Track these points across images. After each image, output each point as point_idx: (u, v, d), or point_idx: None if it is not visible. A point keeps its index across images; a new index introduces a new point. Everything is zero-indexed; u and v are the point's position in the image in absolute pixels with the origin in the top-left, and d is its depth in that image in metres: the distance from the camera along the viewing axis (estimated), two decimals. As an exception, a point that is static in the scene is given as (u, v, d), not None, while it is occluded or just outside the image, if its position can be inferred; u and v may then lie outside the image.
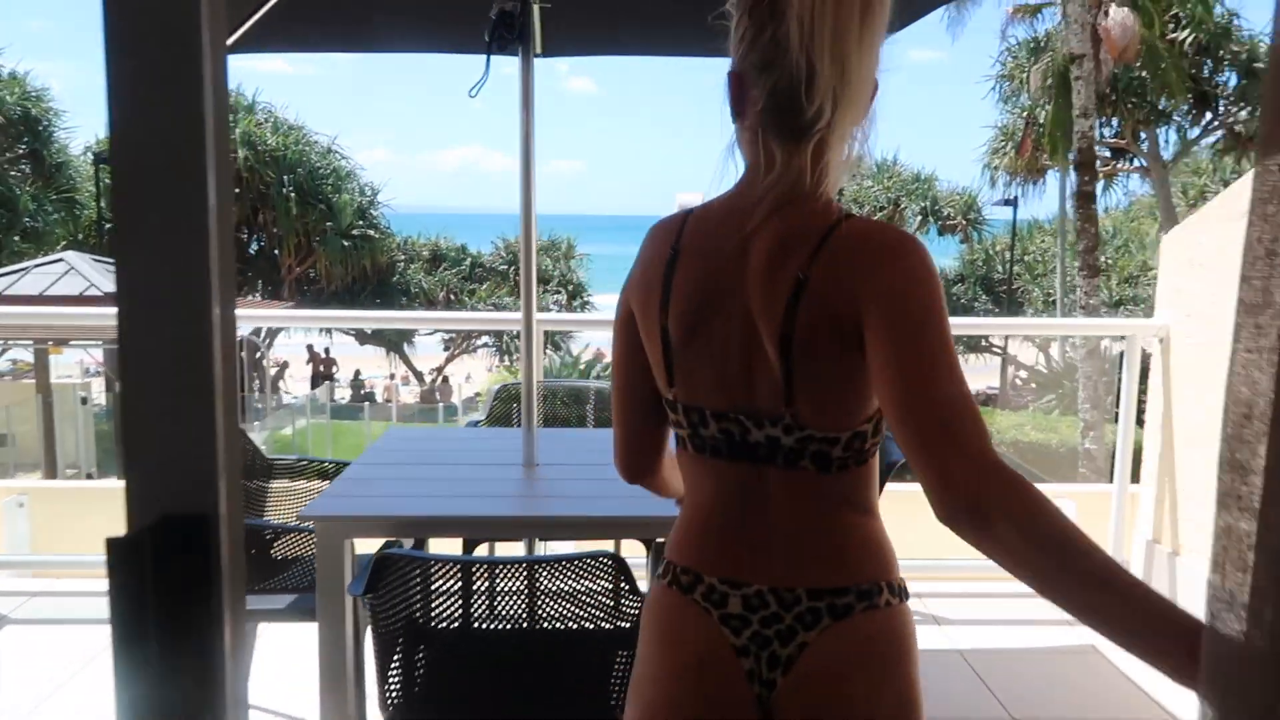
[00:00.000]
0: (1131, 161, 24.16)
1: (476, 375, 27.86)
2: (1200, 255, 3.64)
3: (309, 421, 17.58)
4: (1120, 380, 4.02)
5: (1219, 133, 23.55)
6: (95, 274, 12.52)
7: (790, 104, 1.14)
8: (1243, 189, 3.41)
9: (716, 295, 1.20)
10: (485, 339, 26.85)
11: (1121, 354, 3.99)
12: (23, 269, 12.95)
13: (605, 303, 30.56)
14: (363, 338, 26.11)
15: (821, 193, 1.17)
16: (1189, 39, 21.35)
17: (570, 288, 28.04)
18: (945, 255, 30.01)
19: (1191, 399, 3.69)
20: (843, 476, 1.20)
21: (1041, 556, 0.97)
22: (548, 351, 26.26)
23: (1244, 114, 22.63)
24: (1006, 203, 22.98)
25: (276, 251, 24.10)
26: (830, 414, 1.17)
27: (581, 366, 17.29)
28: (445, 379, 27.95)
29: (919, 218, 27.40)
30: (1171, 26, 21.23)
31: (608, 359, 39.73)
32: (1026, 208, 23.79)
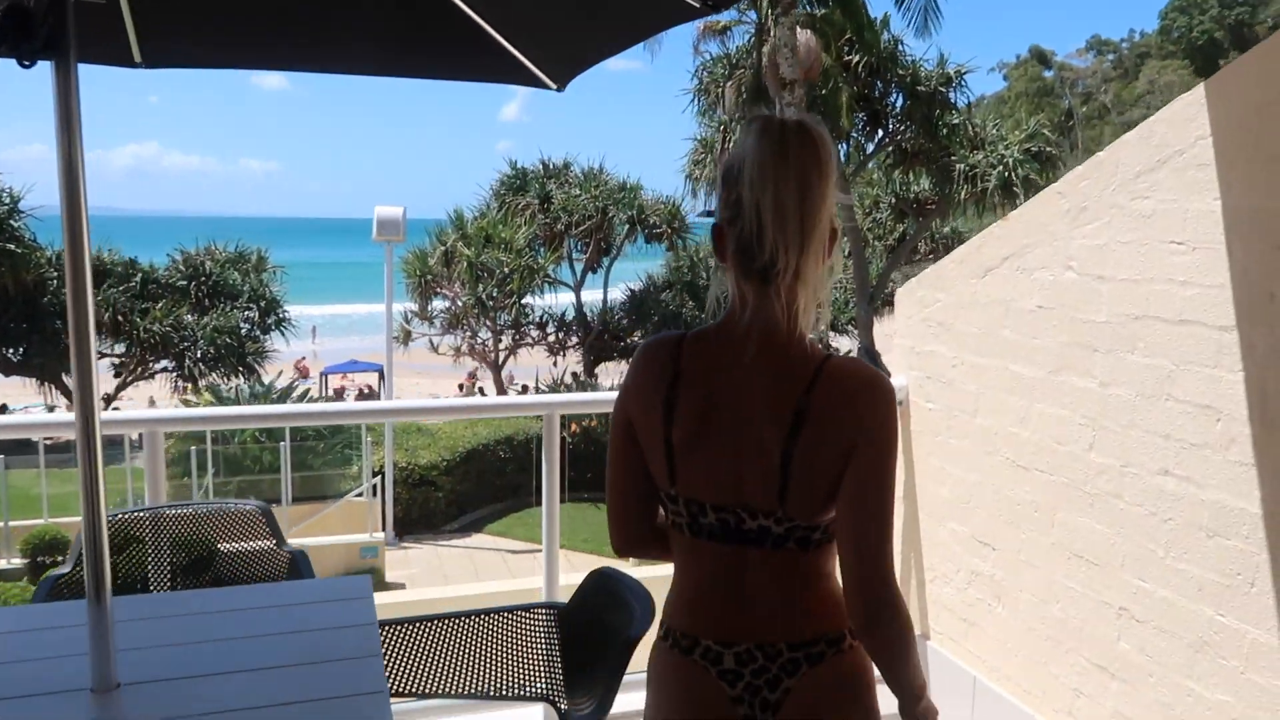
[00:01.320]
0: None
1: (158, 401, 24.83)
2: (939, 314, 3.33)
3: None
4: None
5: (889, 148, 25.69)
6: None
7: (751, 252, 1.42)
8: (984, 244, 3.11)
9: (719, 413, 1.47)
10: (165, 362, 23.96)
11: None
12: None
13: (302, 314, 28.55)
14: (6, 365, 22.40)
15: (799, 332, 1.44)
16: (861, 61, 22.98)
17: (263, 303, 25.66)
18: (653, 262, 30.62)
19: (935, 470, 3.38)
20: (817, 552, 1.50)
21: (889, 645, 1.48)
22: (236, 378, 23.88)
23: (907, 131, 24.84)
24: (708, 213, 23.59)
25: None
26: (813, 510, 1.46)
27: (274, 396, 15.59)
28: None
29: (626, 226, 27.68)
30: (846, 49, 22.78)
31: (310, 381, 37.14)
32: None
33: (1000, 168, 23.45)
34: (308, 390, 16.75)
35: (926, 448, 3.43)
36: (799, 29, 19.52)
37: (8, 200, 21.01)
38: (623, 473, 1.60)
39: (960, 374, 3.23)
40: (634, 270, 30.01)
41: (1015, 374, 2.96)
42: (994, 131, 25.03)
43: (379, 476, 14.90)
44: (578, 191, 28.21)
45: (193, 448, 13.62)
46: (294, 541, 10.22)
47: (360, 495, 14.18)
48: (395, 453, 15.39)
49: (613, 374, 34.20)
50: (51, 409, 25.60)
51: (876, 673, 1.55)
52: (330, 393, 35.84)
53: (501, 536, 15.36)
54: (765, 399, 1.45)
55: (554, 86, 2.82)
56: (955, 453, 3.26)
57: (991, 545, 3.09)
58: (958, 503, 3.25)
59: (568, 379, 28.68)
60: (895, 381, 3.55)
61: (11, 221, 20.82)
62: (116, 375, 24.56)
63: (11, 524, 13.18)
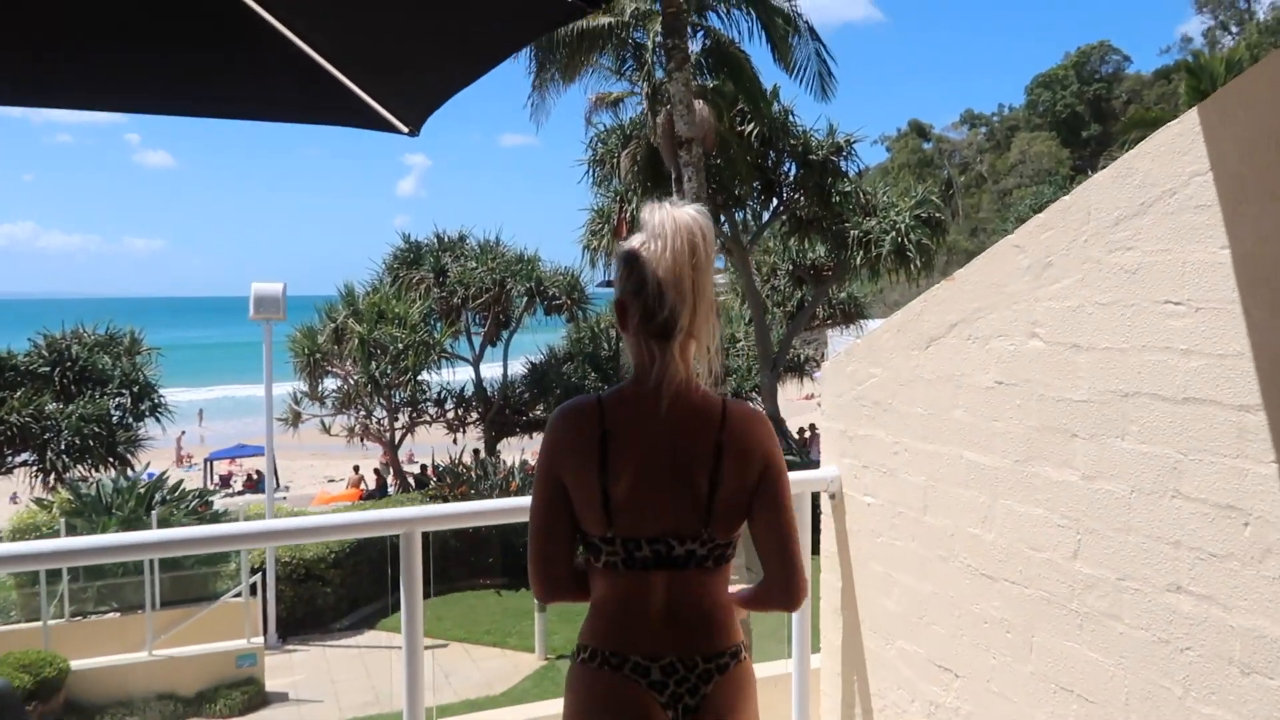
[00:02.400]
0: (717, 243, 25.67)
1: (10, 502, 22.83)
2: (875, 391, 2.83)
3: None
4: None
5: (784, 216, 25.91)
6: None
7: (654, 315, 1.71)
8: (925, 309, 2.63)
9: (650, 459, 1.74)
10: (26, 454, 22.11)
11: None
12: None
13: (188, 397, 26.90)
14: None
15: (696, 380, 1.77)
16: (753, 131, 23.17)
17: (136, 388, 24.06)
18: (554, 334, 30.05)
19: (877, 578, 2.84)
20: (724, 569, 1.81)
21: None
22: (105, 469, 22.15)
23: (801, 199, 25.12)
24: (608, 284, 23.31)
25: None
26: (730, 527, 1.79)
27: (140, 490, 14.27)
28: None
29: (525, 298, 27.12)
30: (739, 120, 22.96)
31: (195, 467, 35.07)
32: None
33: (893, 233, 23.81)
34: (180, 483, 15.44)
35: (866, 550, 2.90)
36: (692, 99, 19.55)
37: None
38: (551, 526, 1.80)
39: (904, 463, 2.72)
40: (534, 343, 29.37)
41: (972, 463, 2.46)
42: (884, 198, 25.50)
43: (259, 573, 13.73)
44: (474, 264, 27.58)
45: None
46: (160, 652, 9.08)
47: (238, 595, 12.99)
48: (278, 546, 14.25)
49: (514, 449, 33.24)
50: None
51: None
52: (216, 480, 33.92)
53: (395, 632, 14.25)
54: (688, 440, 1.74)
55: (405, 130, 2.33)
56: (902, 557, 2.74)
57: (954, 671, 2.55)
58: (909, 617, 2.71)
59: (467, 458, 27.66)
60: (825, 472, 3.03)
61: None
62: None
63: None
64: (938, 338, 2.58)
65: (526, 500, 2.10)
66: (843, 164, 25.01)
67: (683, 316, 1.67)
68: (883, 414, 2.81)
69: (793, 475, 3.16)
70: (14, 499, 22.74)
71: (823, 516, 3.10)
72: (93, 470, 22.05)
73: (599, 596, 1.79)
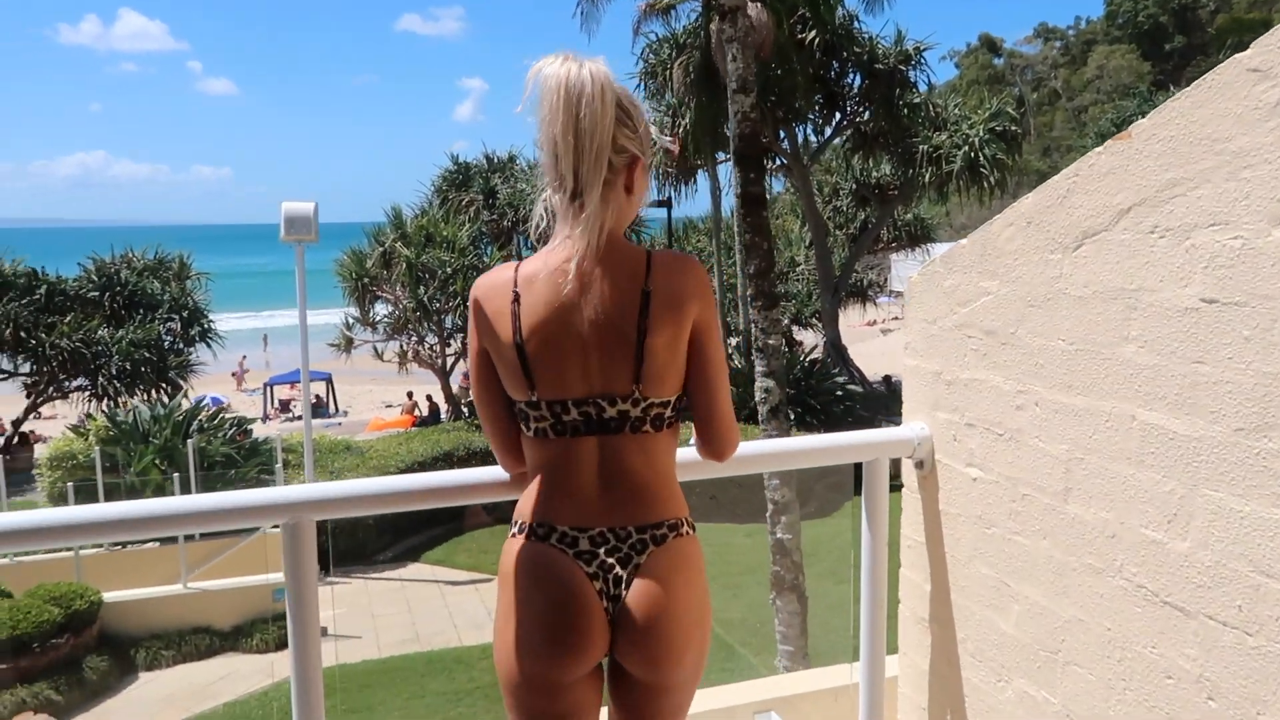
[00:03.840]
0: (774, 160, 24.38)
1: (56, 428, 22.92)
2: (989, 316, 1.94)
3: None
4: (861, 526, 2.27)
5: (848, 132, 24.43)
6: None
7: (562, 179, 1.65)
8: (1074, 187, 1.71)
9: (569, 315, 1.64)
10: (81, 379, 22.08)
11: (859, 471, 2.24)
12: None
13: (246, 325, 26.78)
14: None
15: (619, 236, 1.71)
16: (815, 40, 21.67)
17: (186, 313, 23.85)
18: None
19: (988, 586, 1.98)
20: (667, 433, 1.71)
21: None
22: (157, 394, 22.05)
23: (866, 113, 23.59)
24: (660, 204, 22.22)
25: None
26: (665, 385, 1.68)
27: (179, 417, 13.89)
28: (24, 437, 22.67)
29: (576, 220, 26.18)
30: (799, 27, 21.46)
31: (253, 392, 35.29)
32: (681, 208, 23.31)
33: (965, 148, 22.23)
34: (219, 411, 15.06)
35: (969, 544, 2.03)
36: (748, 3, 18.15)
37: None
38: (492, 400, 1.77)
39: (1034, 422, 1.83)
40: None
41: (1154, 429, 1.57)
42: (956, 112, 23.83)
43: (298, 504, 13.32)
44: (524, 185, 26.70)
45: (69, 484, 11.97)
46: (195, 585, 8.51)
47: (276, 526, 12.60)
48: (317, 475, 13.81)
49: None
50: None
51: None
52: (276, 404, 33.99)
53: (440, 565, 13.85)
54: (613, 292, 1.64)
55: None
56: (1028, 560, 1.86)
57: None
58: (1035, 650, 1.85)
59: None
60: (909, 431, 2.15)
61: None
62: (28, 395, 22.71)
63: None
64: (1097, 231, 1.66)
65: (451, 476, 2.01)
66: (911, 74, 23.40)
67: (587, 174, 1.62)
68: (1001, 349, 1.91)
69: (862, 436, 2.30)
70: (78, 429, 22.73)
71: (905, 492, 2.23)
72: (146, 394, 21.98)
73: (531, 466, 1.74)
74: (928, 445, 2.12)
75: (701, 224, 29.58)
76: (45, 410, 24.48)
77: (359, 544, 14.09)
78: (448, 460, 15.35)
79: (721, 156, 21.83)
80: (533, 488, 1.72)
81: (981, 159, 22.26)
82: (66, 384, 22.28)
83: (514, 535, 1.72)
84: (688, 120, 20.28)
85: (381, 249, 24.42)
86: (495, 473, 1.92)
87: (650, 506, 1.69)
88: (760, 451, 2.11)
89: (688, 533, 1.72)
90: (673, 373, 1.68)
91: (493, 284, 1.72)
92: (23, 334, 20.94)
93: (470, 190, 27.58)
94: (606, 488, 1.68)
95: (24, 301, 21.29)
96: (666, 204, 22.19)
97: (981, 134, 22.47)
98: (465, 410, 26.23)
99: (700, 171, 23.86)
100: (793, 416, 18.00)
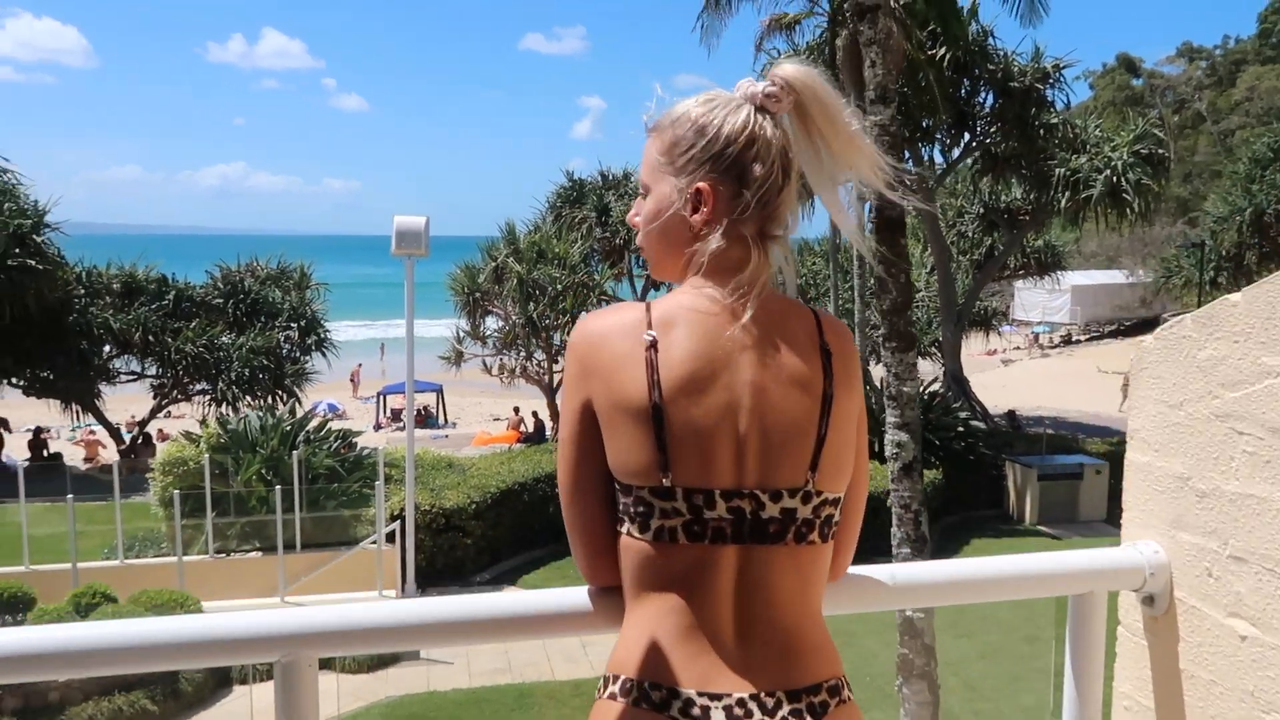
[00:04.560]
0: (896, 181, 23.41)
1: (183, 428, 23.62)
2: (1268, 407, 1.33)
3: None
4: (1064, 657, 1.69)
5: (976, 153, 23.30)
6: None
7: (757, 201, 1.30)
8: None
9: (720, 370, 1.24)
10: (203, 384, 22.74)
11: (1068, 606, 1.65)
12: None
13: (350, 335, 27.36)
14: (34, 386, 21.40)
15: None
16: (946, 55, 20.73)
17: (304, 322, 24.36)
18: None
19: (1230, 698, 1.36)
20: (827, 549, 1.28)
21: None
22: (273, 401, 22.54)
23: (998, 133, 22.42)
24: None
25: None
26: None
27: (287, 427, 13.95)
28: (147, 436, 23.48)
29: (689, 239, 25.75)
30: (930, 43, 20.56)
31: (368, 399, 36.00)
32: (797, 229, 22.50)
33: (1108, 172, 20.87)
34: (325, 422, 15.11)
35: (1214, 663, 1.42)
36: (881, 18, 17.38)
37: (32, 214, 19.98)
38: (591, 481, 1.30)
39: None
40: (699, 287, 28.08)
41: None
42: (1097, 133, 22.44)
43: (398, 520, 13.20)
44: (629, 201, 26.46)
45: (175, 492, 12.06)
46: (293, 599, 8.33)
47: (375, 543, 12.48)
48: (418, 493, 13.67)
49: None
50: (92, 431, 24.68)
51: None
52: (388, 413, 34.58)
53: (539, 589, 13.51)
54: (788, 345, 1.29)
55: None
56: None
57: None
58: None
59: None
60: (1132, 553, 1.56)
61: (35, 236, 19.76)
62: (155, 397, 23.52)
63: (-14, 572, 11.79)
64: None
65: (505, 603, 1.43)
66: (1049, 93, 22.18)
67: (786, 200, 1.31)
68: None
69: (1068, 561, 1.71)
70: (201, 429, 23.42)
71: (1123, 632, 1.63)
72: (262, 401, 22.48)
73: (634, 586, 1.26)
74: (1164, 576, 1.52)
75: (817, 246, 28.74)
76: (176, 410, 25.36)
77: (456, 563, 13.87)
78: (548, 483, 15.01)
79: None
80: (639, 623, 1.25)
81: (1124, 184, 20.86)
82: (190, 387, 22.98)
83: (610, 697, 1.24)
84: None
85: (494, 264, 24.49)
86: (567, 598, 1.42)
87: (806, 660, 1.25)
88: (922, 580, 1.54)
89: (849, 698, 1.27)
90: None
91: (615, 324, 1.30)
92: (151, 338, 21.69)
93: (584, 207, 27.47)
94: (747, 627, 1.23)
95: (154, 306, 22.08)
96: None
97: (1125, 157, 21.07)
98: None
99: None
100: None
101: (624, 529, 1.28)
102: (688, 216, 1.31)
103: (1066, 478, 16.45)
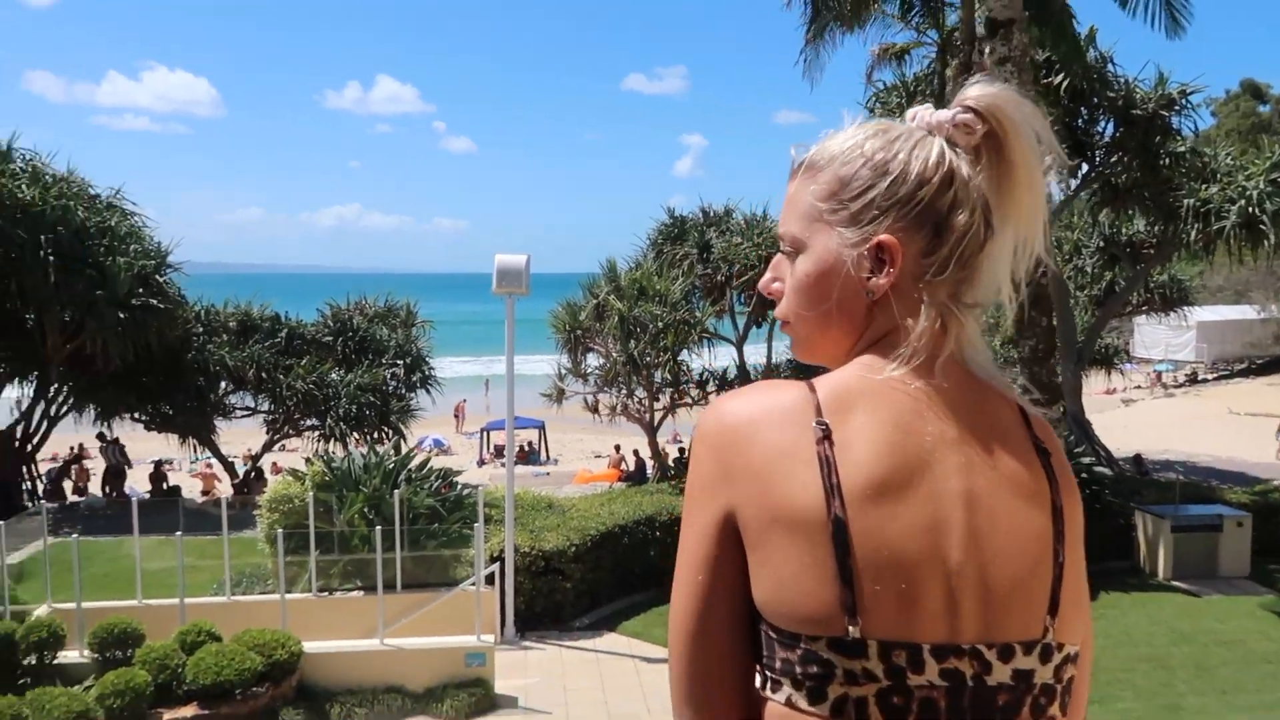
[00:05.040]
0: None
1: (295, 461, 24.11)
2: None
3: (46, 543, 13.82)
4: None
5: (1095, 184, 22.24)
6: None
7: (959, 255, 1.05)
8: None
9: (924, 473, 0.95)
10: (313, 420, 23.22)
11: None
12: None
13: (455, 371, 27.65)
14: (155, 421, 22.17)
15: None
16: (1063, 84, 19.92)
17: (409, 359, 24.72)
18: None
19: None
20: None
21: None
22: (379, 438, 22.86)
23: (1120, 164, 21.35)
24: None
25: (34, 325, 20.09)
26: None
27: (389, 465, 14.00)
28: (260, 471, 24.10)
29: (792, 276, 25.26)
30: (1044, 71, 19.78)
31: (472, 435, 36.46)
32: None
33: (1242, 202, 19.61)
34: (426, 461, 15.11)
35: None
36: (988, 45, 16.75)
37: (155, 255, 20.81)
38: (725, 613, 0.96)
39: None
40: (802, 324, 27.51)
41: None
42: (1229, 161, 21.15)
43: (497, 562, 13.03)
44: (740, 239, 26.09)
45: (280, 530, 12.13)
46: (391, 642, 8.23)
47: (474, 585, 12.31)
48: (518, 534, 13.50)
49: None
50: (209, 465, 25.50)
51: None
52: (492, 449, 34.85)
53: (637, 638, 13.11)
54: (1002, 442, 0.99)
55: None
56: None
57: None
58: None
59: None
60: None
61: (158, 276, 20.56)
62: (267, 432, 24.15)
63: (101, 604, 12.05)
64: None
65: None
66: (1174, 121, 21.03)
67: (988, 257, 1.04)
68: None
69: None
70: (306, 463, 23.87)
71: None
72: (368, 438, 22.82)
73: None
74: None
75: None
76: (288, 444, 26.00)
77: (555, 607, 13.61)
78: (649, 526, 14.69)
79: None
80: None
81: (1260, 215, 19.56)
82: (300, 423, 23.50)
83: None
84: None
85: (595, 300, 24.45)
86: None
87: None
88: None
89: None
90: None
91: (770, 408, 1.01)
92: (264, 374, 22.28)
93: (685, 243, 27.26)
94: None
95: (268, 344, 22.71)
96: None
97: (1261, 185, 19.78)
98: (672, 468, 25.71)
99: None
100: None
101: (778, 695, 0.94)
102: (863, 279, 1.06)
103: (1203, 529, 15.26)
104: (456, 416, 41.67)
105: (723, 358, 27.12)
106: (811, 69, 18.14)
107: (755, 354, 27.76)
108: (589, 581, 13.90)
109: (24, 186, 18.97)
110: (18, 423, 21.78)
